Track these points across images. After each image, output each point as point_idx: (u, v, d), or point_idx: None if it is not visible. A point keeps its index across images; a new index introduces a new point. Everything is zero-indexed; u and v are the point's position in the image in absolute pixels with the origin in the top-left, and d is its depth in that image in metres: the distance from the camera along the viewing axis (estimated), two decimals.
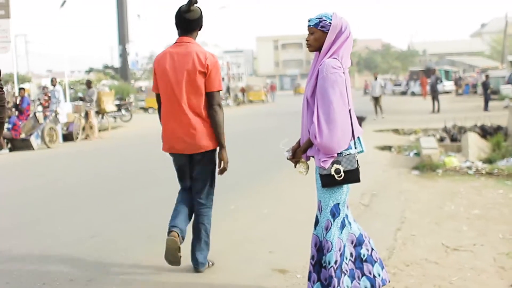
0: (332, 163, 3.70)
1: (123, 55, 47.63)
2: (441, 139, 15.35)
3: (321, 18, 3.80)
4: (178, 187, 5.05)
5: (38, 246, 6.00)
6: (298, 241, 5.66)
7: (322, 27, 3.79)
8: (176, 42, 4.74)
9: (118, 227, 6.73)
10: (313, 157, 3.86)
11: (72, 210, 7.77)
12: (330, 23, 3.77)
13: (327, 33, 3.78)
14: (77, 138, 18.42)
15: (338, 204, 3.81)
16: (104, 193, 9.04)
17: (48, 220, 7.22)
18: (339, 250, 3.78)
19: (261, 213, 7.16)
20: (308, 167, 4.04)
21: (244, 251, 5.64)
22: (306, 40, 3.88)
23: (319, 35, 3.81)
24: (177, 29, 4.75)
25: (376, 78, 25.67)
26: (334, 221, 3.80)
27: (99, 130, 20.56)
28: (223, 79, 65.79)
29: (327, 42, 3.78)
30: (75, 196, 8.81)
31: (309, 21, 3.87)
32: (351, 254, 3.88)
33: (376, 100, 25.05)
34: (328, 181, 3.74)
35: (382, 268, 4.06)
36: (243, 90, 51.56)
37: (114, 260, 5.41)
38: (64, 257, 5.55)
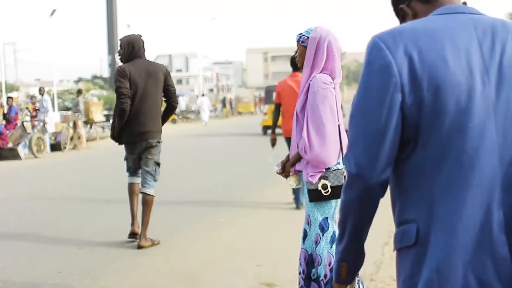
0: (320, 178, 3.71)
1: (113, 65, 47.45)
2: None
3: (301, 34, 3.91)
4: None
5: (24, 255, 5.95)
6: (286, 255, 5.65)
7: (302, 42, 3.90)
8: (291, 75, 7.67)
9: (106, 238, 6.68)
10: (301, 171, 3.88)
11: (58, 220, 7.72)
12: (308, 37, 3.84)
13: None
14: (65, 148, 18.30)
15: (327, 218, 3.82)
16: (91, 203, 8.99)
17: (34, 230, 7.16)
18: (329, 264, 3.79)
19: (250, 225, 7.15)
20: (298, 180, 4.05)
21: (232, 264, 5.62)
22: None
23: (301, 50, 3.92)
24: (291, 67, 7.72)
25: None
26: (323, 235, 3.81)
27: (87, 140, 20.47)
28: (212, 90, 65.20)
29: (306, 55, 3.86)
30: (62, 206, 8.75)
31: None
32: None
33: None
34: (315, 196, 3.75)
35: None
36: (230, 102, 51.66)
37: (101, 271, 5.38)
38: (49, 267, 5.51)
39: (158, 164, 6.15)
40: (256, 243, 6.39)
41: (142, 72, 5.94)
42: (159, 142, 6.12)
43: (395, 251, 1.66)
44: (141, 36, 6.20)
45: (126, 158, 6.33)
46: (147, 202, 6.07)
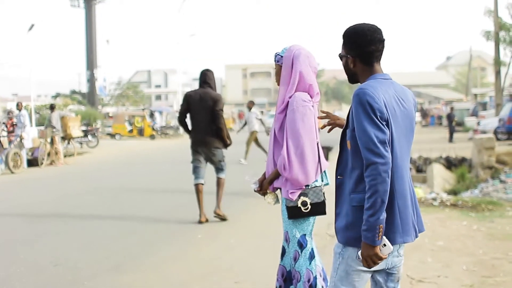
0: (299, 195, 3.73)
1: (91, 80, 47.25)
2: None
3: (277, 53, 3.97)
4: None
5: None
6: (265, 271, 5.64)
7: (277, 61, 3.97)
8: None
9: (83, 255, 6.62)
10: (279, 188, 3.88)
11: (34, 237, 7.63)
12: (282, 57, 3.92)
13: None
14: (42, 163, 18.13)
15: (305, 235, 3.83)
16: (68, 220, 8.89)
17: (9, 248, 7.08)
18: (308, 281, 3.79)
19: (228, 242, 7.13)
20: (276, 197, 4.05)
21: (210, 281, 5.59)
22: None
23: (277, 69, 3.99)
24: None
25: (250, 109, 18.18)
26: (301, 251, 3.82)
27: (65, 156, 20.28)
28: None
29: (282, 74, 3.92)
30: (38, 223, 8.65)
31: None
32: (322, 287, 3.88)
33: (251, 135, 17.80)
34: (294, 213, 3.76)
35: None
36: None
37: None
38: (25, 286, 5.43)
39: (221, 161, 8.31)
40: (235, 260, 6.37)
41: (197, 98, 8.12)
42: (216, 148, 8.17)
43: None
44: (208, 70, 8.35)
45: (192, 161, 8.27)
46: (219, 183, 8.41)
